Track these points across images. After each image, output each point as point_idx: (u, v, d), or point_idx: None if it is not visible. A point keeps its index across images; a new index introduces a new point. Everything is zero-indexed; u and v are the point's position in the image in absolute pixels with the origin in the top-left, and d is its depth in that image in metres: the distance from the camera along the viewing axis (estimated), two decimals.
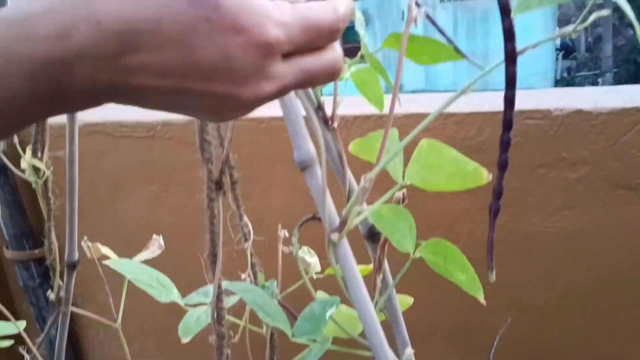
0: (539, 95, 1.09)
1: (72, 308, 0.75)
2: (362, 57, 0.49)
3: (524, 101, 1.05)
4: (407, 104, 1.11)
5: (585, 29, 0.41)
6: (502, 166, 0.43)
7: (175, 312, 1.30)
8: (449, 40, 0.42)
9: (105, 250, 0.91)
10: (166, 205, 1.31)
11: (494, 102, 1.07)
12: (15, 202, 1.31)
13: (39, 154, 0.64)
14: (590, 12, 0.36)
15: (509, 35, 0.38)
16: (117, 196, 1.33)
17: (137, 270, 0.67)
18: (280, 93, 0.34)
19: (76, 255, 0.72)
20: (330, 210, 0.45)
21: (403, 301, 0.64)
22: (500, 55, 0.45)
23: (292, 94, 0.46)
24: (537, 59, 12.63)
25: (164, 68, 0.31)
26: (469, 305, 1.18)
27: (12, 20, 0.29)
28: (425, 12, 0.40)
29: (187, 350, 1.43)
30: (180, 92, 0.32)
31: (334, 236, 0.44)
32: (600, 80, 14.85)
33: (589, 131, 1.00)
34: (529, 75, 11.77)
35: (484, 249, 1.08)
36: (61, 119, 1.11)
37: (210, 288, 0.70)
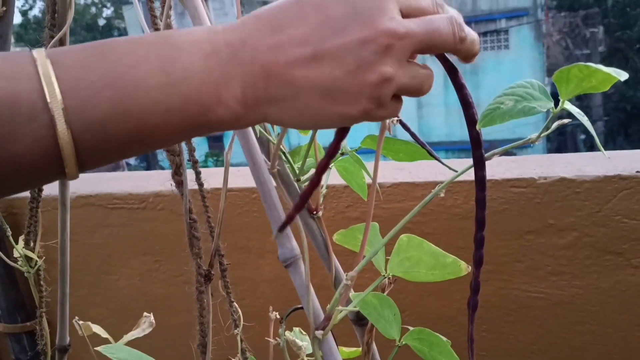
0: (523, 163, 1.11)
1: None
2: (342, 153, 0.51)
3: (508, 170, 1.07)
4: (395, 173, 1.13)
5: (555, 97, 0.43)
6: (478, 263, 0.45)
7: None
8: (422, 144, 0.44)
9: (96, 328, 0.91)
10: (158, 276, 1.31)
11: None
12: (7, 275, 1.30)
13: (32, 244, 0.65)
14: (552, 120, 0.39)
15: (476, 143, 0.39)
16: (109, 267, 1.33)
17: (128, 354, 0.67)
18: (399, 36, 0.36)
19: (67, 340, 0.72)
20: (314, 305, 0.46)
21: None
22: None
23: (273, 190, 0.48)
24: None
25: (305, 36, 0.36)
26: None
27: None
28: (398, 120, 0.42)
29: None
30: (322, 57, 0.36)
31: (319, 333, 0.44)
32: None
33: (573, 198, 1.02)
34: (520, 125, 11.93)
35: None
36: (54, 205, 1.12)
37: None
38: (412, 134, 0.42)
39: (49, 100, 0.32)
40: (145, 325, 0.90)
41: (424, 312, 1.16)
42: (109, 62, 0.34)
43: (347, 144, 0.49)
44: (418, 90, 0.39)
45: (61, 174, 0.35)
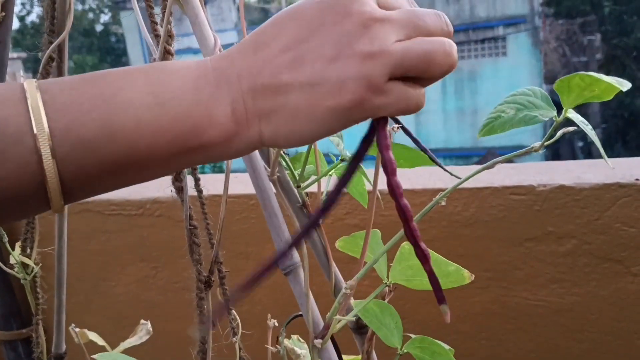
0: (522, 170, 1.11)
1: None
2: (342, 160, 0.50)
3: (508, 177, 1.07)
4: None
5: (557, 104, 0.43)
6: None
7: None
8: (424, 150, 0.43)
9: (93, 336, 0.91)
10: (156, 282, 1.30)
11: (480, 177, 1.09)
12: (3, 281, 1.30)
13: (28, 250, 0.65)
14: (555, 129, 0.38)
15: (394, 192, 0.39)
16: (106, 274, 1.33)
17: None
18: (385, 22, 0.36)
19: (63, 348, 0.71)
20: (314, 314, 0.45)
21: None
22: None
23: (273, 197, 0.47)
24: None
25: (285, 44, 0.36)
26: None
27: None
28: (399, 127, 0.42)
29: None
30: (303, 56, 0.36)
31: (318, 342, 0.44)
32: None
33: (573, 206, 1.02)
34: (519, 132, 11.95)
35: (476, 321, 1.08)
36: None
37: None
38: (414, 139, 0.41)
39: (33, 123, 0.32)
40: (142, 333, 0.90)
41: (423, 320, 1.16)
42: (98, 86, 0.35)
43: (345, 150, 0.49)
44: (425, 68, 0.37)
45: (46, 205, 0.34)
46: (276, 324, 0.68)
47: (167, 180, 1.43)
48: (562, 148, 15.14)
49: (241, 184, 1.24)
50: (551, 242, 1.04)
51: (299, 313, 0.52)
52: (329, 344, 0.45)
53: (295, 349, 0.67)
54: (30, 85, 0.33)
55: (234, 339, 0.61)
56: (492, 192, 1.05)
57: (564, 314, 1.08)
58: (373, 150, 0.48)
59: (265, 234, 1.19)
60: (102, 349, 0.89)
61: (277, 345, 0.51)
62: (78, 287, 1.32)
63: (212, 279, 0.50)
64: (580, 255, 1.03)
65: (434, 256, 0.47)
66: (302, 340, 0.69)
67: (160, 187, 1.28)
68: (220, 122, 0.36)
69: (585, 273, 1.04)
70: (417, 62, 0.36)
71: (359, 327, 0.58)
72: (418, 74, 0.37)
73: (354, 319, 0.55)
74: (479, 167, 1.17)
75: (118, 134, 0.33)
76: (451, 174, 0.43)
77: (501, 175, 1.09)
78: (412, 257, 0.47)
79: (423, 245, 0.38)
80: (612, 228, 1.01)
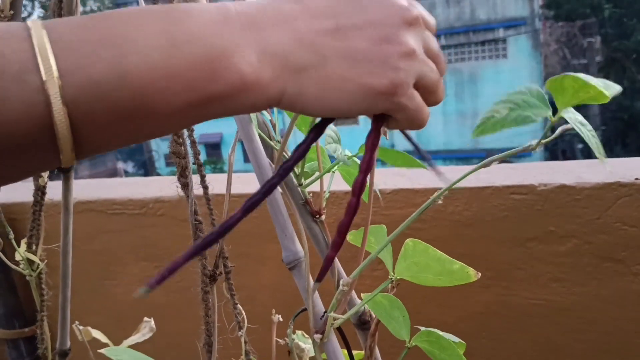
0: (523, 170, 1.11)
1: None
2: (348, 158, 0.51)
3: (509, 177, 1.07)
4: (395, 179, 1.13)
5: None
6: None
7: None
8: (423, 156, 0.43)
9: (96, 333, 0.91)
10: None
11: (481, 176, 1.10)
12: (6, 280, 1.30)
13: (34, 247, 0.65)
14: (550, 129, 0.39)
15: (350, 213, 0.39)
16: (109, 273, 1.33)
17: (131, 357, 0.67)
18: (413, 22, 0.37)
19: (68, 344, 0.72)
20: (316, 307, 0.46)
21: None
22: None
23: (278, 195, 0.48)
24: None
25: (327, 9, 0.36)
26: None
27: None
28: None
29: None
30: (347, 30, 0.35)
31: (317, 337, 0.44)
32: None
33: (574, 205, 1.02)
34: (518, 134, 11.96)
35: (477, 321, 1.08)
36: (55, 210, 1.12)
37: None
38: (413, 143, 0.42)
39: (39, 60, 0.29)
40: (145, 330, 0.90)
41: (424, 320, 1.15)
42: (109, 25, 0.32)
43: (345, 150, 0.49)
44: (432, 91, 0.39)
45: (55, 156, 0.31)
46: (280, 319, 0.69)
47: (168, 180, 1.43)
48: (562, 151, 15.13)
49: (242, 184, 1.24)
50: (552, 241, 1.04)
51: (305, 308, 0.53)
52: (333, 339, 0.46)
53: (300, 343, 0.67)
54: (35, 24, 0.31)
55: (240, 332, 0.61)
56: (493, 191, 1.05)
57: (565, 314, 1.08)
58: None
59: (266, 234, 1.20)
60: (105, 347, 0.89)
61: (285, 339, 0.52)
62: (80, 286, 1.32)
63: (218, 272, 0.51)
64: (581, 255, 1.04)
65: (437, 254, 0.47)
66: (306, 335, 0.70)
67: (162, 187, 1.29)
68: (242, 70, 0.33)
69: (586, 272, 1.05)
70: (432, 84, 0.38)
71: (362, 323, 0.58)
72: (424, 96, 0.39)
73: (349, 317, 0.55)
74: (476, 165, 1.19)
75: (129, 76, 0.31)
76: (446, 178, 0.44)
77: (502, 175, 1.09)
78: (416, 253, 0.48)
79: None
80: (613, 227, 1.01)
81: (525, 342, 1.12)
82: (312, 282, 0.47)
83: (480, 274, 0.48)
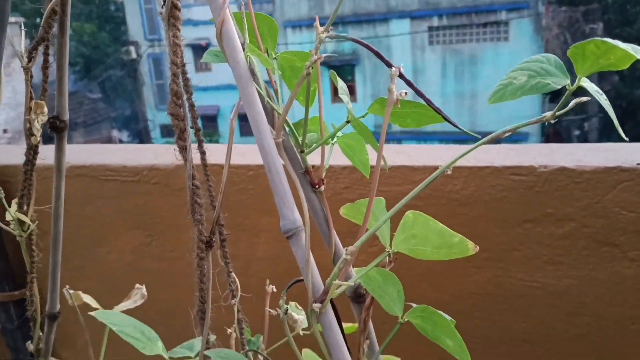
0: (523, 151, 1.10)
1: (51, 359, 0.74)
2: (348, 121, 0.49)
3: (509, 157, 1.06)
4: (394, 156, 1.12)
5: (572, 74, 0.42)
6: None
7: None
8: (436, 109, 0.42)
9: (87, 298, 0.90)
10: (150, 250, 1.30)
11: (480, 156, 1.08)
12: None
13: (25, 207, 0.64)
14: (568, 98, 0.37)
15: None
16: (101, 241, 1.32)
17: (122, 321, 0.66)
18: None
19: (57, 307, 0.71)
20: (314, 278, 0.45)
21: None
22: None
23: (279, 162, 0.46)
24: (524, 103, 12.84)
25: None
26: None
27: None
28: (408, 86, 0.41)
29: None
30: None
31: (317, 306, 0.43)
32: (586, 124, 15.09)
33: (573, 188, 1.01)
34: (516, 119, 11.93)
35: (471, 301, 1.08)
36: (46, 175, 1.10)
37: (195, 342, 0.69)
38: (425, 98, 0.40)
39: None
40: (137, 297, 0.89)
41: (419, 299, 1.15)
42: None
43: (353, 112, 0.48)
44: None
45: None
46: (274, 290, 0.68)
47: (163, 148, 1.40)
48: (558, 138, 15.12)
49: (239, 155, 1.22)
50: (550, 224, 1.04)
51: (300, 278, 0.52)
52: (329, 310, 0.45)
53: (293, 314, 0.66)
54: None
55: (233, 301, 0.60)
56: (493, 171, 1.04)
57: (560, 297, 1.08)
58: (380, 110, 0.47)
59: (262, 205, 1.19)
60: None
61: (277, 309, 0.51)
62: (71, 252, 1.31)
63: (213, 239, 0.50)
64: (578, 238, 1.03)
65: (438, 226, 0.46)
66: (299, 307, 0.69)
67: (157, 154, 1.27)
68: None
69: (582, 256, 1.04)
70: None
71: (357, 296, 0.57)
72: None
73: (353, 284, 0.54)
74: (481, 140, 1.17)
75: None
76: (459, 128, 0.42)
77: (502, 155, 1.08)
78: (415, 226, 0.46)
79: None
80: (611, 212, 1.00)
81: (519, 323, 1.11)
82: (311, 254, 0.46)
83: (478, 247, 0.47)
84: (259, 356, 0.68)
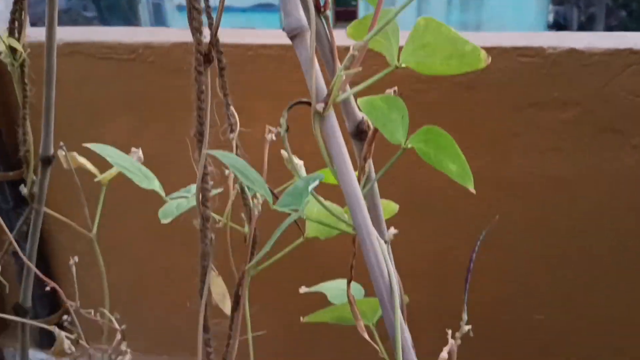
0: (532, 36, 1.07)
1: (45, 209, 0.73)
2: None
3: (517, 38, 1.03)
4: None
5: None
6: None
7: (153, 227, 1.27)
8: None
9: (82, 160, 0.89)
10: (146, 135, 1.28)
11: (488, 37, 1.05)
12: None
13: (16, 34, 0.61)
14: None
15: None
16: (96, 122, 1.30)
17: (119, 156, 0.65)
18: None
19: (51, 150, 0.69)
20: (318, 81, 0.43)
21: (387, 208, 0.62)
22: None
23: None
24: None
25: None
26: (448, 246, 1.18)
27: None
28: None
29: (162, 272, 1.41)
30: None
31: (320, 106, 0.42)
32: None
33: (581, 71, 0.98)
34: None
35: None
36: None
37: (192, 187, 0.68)
38: None
39: None
40: (133, 159, 0.88)
41: (411, 182, 1.15)
42: None
43: None
44: None
45: None
46: (274, 138, 0.66)
47: (158, 30, 1.36)
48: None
49: (238, 37, 1.19)
50: (554, 108, 1.02)
51: (302, 99, 0.50)
52: (332, 115, 0.43)
53: (293, 157, 0.65)
54: None
55: (231, 135, 0.59)
56: (500, 52, 1.01)
57: (559, 185, 1.07)
58: None
59: (260, 88, 1.16)
60: (92, 175, 0.87)
61: (277, 127, 0.49)
62: (67, 133, 1.29)
63: (212, 54, 0.47)
64: (582, 124, 1.01)
65: (451, 33, 0.43)
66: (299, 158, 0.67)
67: (153, 32, 1.23)
68: None
69: (585, 143, 1.03)
70: None
71: (359, 132, 0.55)
72: None
73: (357, 120, 0.52)
74: (488, 34, 1.14)
75: None
76: None
77: (510, 37, 1.04)
78: (426, 34, 0.44)
79: None
80: (617, 96, 0.98)
81: (515, 213, 1.11)
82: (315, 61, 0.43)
83: (490, 58, 0.44)
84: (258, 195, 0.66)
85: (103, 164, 0.85)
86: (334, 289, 0.72)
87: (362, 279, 0.59)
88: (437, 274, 1.20)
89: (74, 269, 0.68)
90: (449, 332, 0.44)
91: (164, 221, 0.59)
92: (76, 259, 0.69)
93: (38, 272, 0.68)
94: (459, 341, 0.45)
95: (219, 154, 0.45)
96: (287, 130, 0.49)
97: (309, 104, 0.48)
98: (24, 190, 0.68)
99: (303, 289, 0.72)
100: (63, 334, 0.73)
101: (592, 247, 1.09)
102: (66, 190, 1.01)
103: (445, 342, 0.46)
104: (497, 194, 1.10)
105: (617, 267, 1.09)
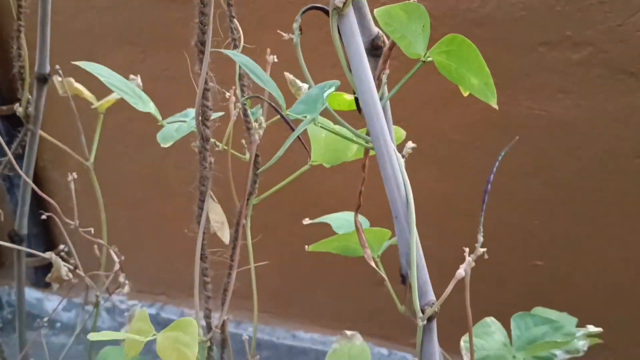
0: None
1: (40, 132, 0.70)
2: None
3: None
4: None
5: None
6: None
7: (150, 171, 1.25)
8: None
9: (79, 86, 0.86)
10: (144, 69, 1.24)
11: None
12: None
13: None
14: None
15: None
16: (93, 55, 1.26)
17: (112, 76, 0.62)
18: None
19: (47, 68, 0.66)
20: None
21: (396, 133, 0.60)
22: None
23: None
24: None
25: None
26: (451, 192, 1.16)
27: None
28: None
29: (158, 216, 1.40)
30: None
31: (339, 1, 0.39)
32: None
33: (596, 9, 0.95)
34: None
35: (473, 131, 1.04)
36: None
37: (190, 111, 0.65)
38: None
39: None
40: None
41: (417, 127, 1.12)
42: None
43: None
44: None
45: None
46: (276, 59, 0.63)
47: None
48: None
49: None
50: (566, 48, 0.98)
51: (317, 4, 0.47)
52: (351, 14, 0.40)
53: (297, 81, 0.62)
54: None
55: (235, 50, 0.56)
56: None
57: (566, 128, 1.04)
58: None
59: (264, 20, 1.12)
60: (89, 101, 0.85)
61: (290, 34, 0.46)
62: (62, 65, 1.25)
63: None
64: (593, 65, 0.98)
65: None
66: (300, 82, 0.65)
67: None
68: None
69: (595, 85, 1.00)
70: None
71: (374, 48, 0.52)
72: None
73: (370, 35, 0.49)
74: None
75: None
76: None
77: None
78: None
79: None
80: (633, 37, 0.95)
81: (520, 156, 1.09)
82: None
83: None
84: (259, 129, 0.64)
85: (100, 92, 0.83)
86: (339, 219, 0.71)
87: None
88: (440, 218, 1.19)
89: (72, 186, 0.65)
90: (466, 250, 0.42)
91: (164, 144, 0.56)
92: (75, 174, 0.67)
93: (35, 187, 0.66)
94: (473, 264, 0.43)
95: (229, 52, 0.42)
96: (301, 33, 0.46)
97: (324, 9, 0.45)
98: (19, 109, 0.66)
99: (306, 221, 0.70)
100: (60, 260, 0.71)
101: (597, 192, 1.07)
102: (60, 122, 0.98)
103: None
104: (501, 138, 1.07)
105: (621, 213, 1.07)
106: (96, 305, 0.87)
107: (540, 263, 1.16)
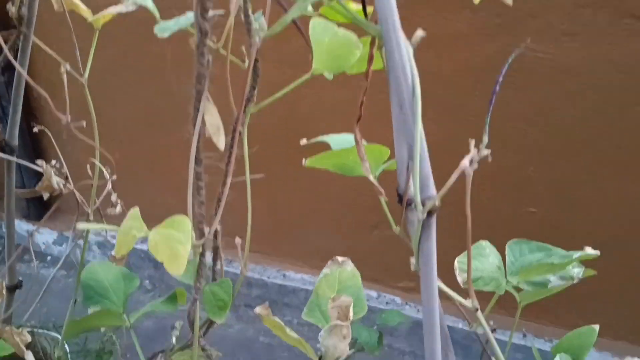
0: None
1: (34, 39, 0.68)
2: None
3: None
4: None
5: None
6: None
7: (145, 104, 1.22)
8: None
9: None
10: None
11: None
12: None
13: None
14: None
15: None
16: None
17: None
18: None
19: None
20: None
21: None
22: None
23: None
24: None
25: None
26: (448, 136, 1.15)
27: None
28: None
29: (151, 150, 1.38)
30: None
31: None
32: None
33: None
34: None
35: (474, 76, 1.02)
36: None
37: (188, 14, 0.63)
38: None
39: None
40: (129, 2, 0.82)
41: (420, 68, 1.10)
42: None
43: None
44: None
45: None
46: None
47: None
48: None
49: None
50: None
51: None
52: None
53: None
54: None
55: None
56: None
57: (568, 74, 1.03)
58: None
59: None
60: (85, 14, 0.82)
61: None
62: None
63: None
64: (601, 7, 0.97)
65: None
66: None
67: None
68: None
69: (602, 29, 0.98)
70: None
71: None
72: None
73: None
74: None
75: None
76: None
77: None
78: None
79: None
80: None
81: (520, 102, 1.08)
82: None
83: None
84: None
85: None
86: (338, 139, 0.70)
87: None
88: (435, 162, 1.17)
89: (64, 78, 0.63)
90: (472, 141, 0.41)
91: (161, 35, 0.55)
92: (67, 66, 0.65)
93: (30, 80, 0.64)
94: (475, 165, 0.42)
95: None
96: None
97: None
98: (11, 9, 0.63)
99: (304, 141, 0.69)
100: (51, 169, 0.70)
101: (595, 140, 1.07)
102: (54, 38, 0.96)
103: None
104: (503, 82, 1.05)
105: (618, 162, 1.07)
106: (86, 232, 0.85)
107: (534, 210, 1.16)
